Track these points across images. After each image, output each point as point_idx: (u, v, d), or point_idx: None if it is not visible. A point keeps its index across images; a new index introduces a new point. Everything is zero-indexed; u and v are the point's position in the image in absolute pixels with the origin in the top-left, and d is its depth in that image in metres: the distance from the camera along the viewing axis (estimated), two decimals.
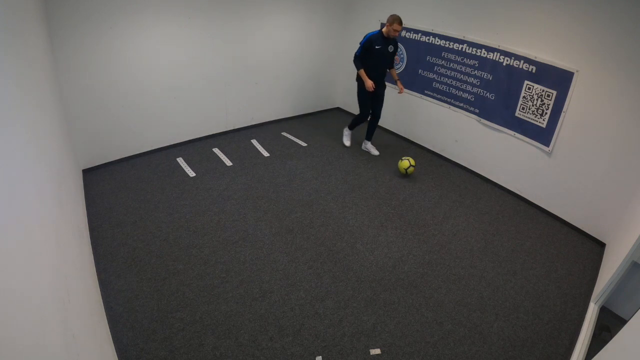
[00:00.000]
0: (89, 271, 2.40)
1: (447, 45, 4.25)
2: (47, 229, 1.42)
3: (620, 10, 2.94)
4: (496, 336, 2.52)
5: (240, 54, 4.55)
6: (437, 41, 4.31)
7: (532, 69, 3.58)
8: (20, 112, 1.42)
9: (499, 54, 3.81)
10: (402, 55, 4.76)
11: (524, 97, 3.72)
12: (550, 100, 3.52)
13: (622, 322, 2.63)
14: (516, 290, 2.90)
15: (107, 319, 2.40)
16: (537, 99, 3.62)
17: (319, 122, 5.52)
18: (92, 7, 3.33)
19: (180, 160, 4.22)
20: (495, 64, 3.87)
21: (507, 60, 3.76)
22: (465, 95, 4.27)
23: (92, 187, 3.65)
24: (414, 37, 4.54)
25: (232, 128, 4.94)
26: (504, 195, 4.11)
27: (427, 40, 4.42)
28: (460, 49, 4.13)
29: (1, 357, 0.74)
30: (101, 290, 2.60)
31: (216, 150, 4.48)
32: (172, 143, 4.45)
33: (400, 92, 4.30)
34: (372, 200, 3.81)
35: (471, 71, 4.12)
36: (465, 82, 4.21)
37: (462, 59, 4.15)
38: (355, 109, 5.73)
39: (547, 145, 3.65)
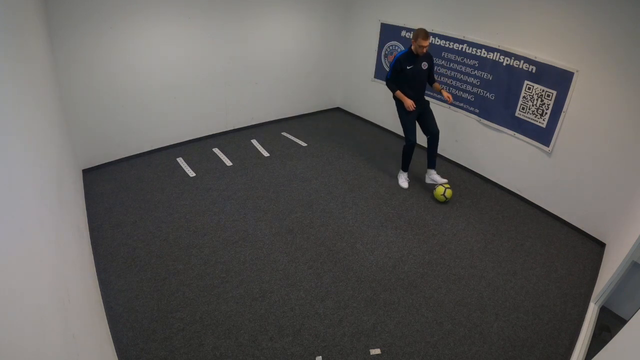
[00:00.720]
0: (89, 271, 2.40)
1: (447, 45, 4.25)
2: (47, 229, 1.42)
3: (620, 10, 2.94)
4: (496, 336, 2.52)
5: (240, 54, 4.55)
6: (437, 41, 4.31)
7: (532, 69, 3.58)
8: (20, 112, 1.42)
9: (499, 54, 3.81)
10: None
11: (524, 97, 3.72)
12: (550, 100, 3.52)
13: (622, 322, 2.63)
14: (516, 290, 2.90)
15: (107, 319, 2.40)
16: (537, 99, 3.62)
17: (319, 122, 5.52)
18: (92, 7, 3.33)
19: (180, 160, 4.22)
20: (495, 64, 3.87)
21: (507, 60, 3.76)
22: (465, 95, 4.27)
23: (92, 187, 3.65)
24: None
25: (232, 128, 4.94)
26: (504, 195, 4.11)
27: None
28: (460, 49, 4.13)
29: (1, 357, 0.74)
30: (101, 290, 2.60)
31: (216, 150, 4.48)
32: (172, 143, 4.45)
33: (449, 102, 3.75)
34: (372, 200, 3.81)
35: (471, 71, 4.12)
36: (465, 82, 4.21)
37: (462, 59, 4.15)
38: (357, 111, 5.77)
39: (547, 145, 3.65)
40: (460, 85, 4.27)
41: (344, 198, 3.81)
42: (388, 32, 4.82)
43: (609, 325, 2.60)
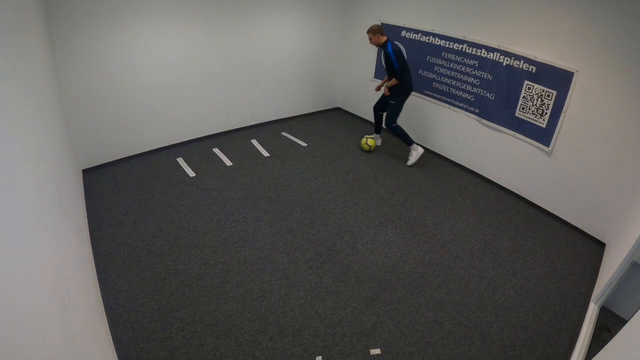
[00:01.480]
0: (89, 271, 2.40)
1: (447, 45, 4.25)
2: (47, 229, 1.42)
3: (621, 10, 2.94)
4: (496, 336, 2.52)
5: (240, 54, 4.55)
6: (437, 41, 4.31)
7: (532, 69, 3.58)
8: (20, 112, 1.42)
9: (499, 54, 3.81)
10: None
11: (524, 97, 3.72)
12: (550, 100, 3.52)
13: (622, 322, 2.63)
14: (516, 290, 2.90)
15: (107, 319, 2.40)
16: (537, 99, 3.62)
17: (319, 122, 5.52)
18: (92, 7, 3.33)
19: (180, 160, 4.22)
20: (495, 64, 3.87)
21: (507, 60, 3.76)
22: (465, 95, 4.27)
23: (92, 187, 3.65)
24: (414, 37, 4.54)
25: (232, 128, 4.94)
26: (504, 195, 4.11)
27: (427, 40, 4.42)
28: (460, 49, 4.13)
29: (2, 357, 0.74)
30: (101, 290, 2.60)
31: (216, 150, 4.48)
32: (172, 143, 4.46)
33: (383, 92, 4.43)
34: (372, 200, 3.81)
35: (471, 71, 4.12)
36: (465, 82, 4.21)
37: (462, 59, 4.15)
38: (357, 111, 5.78)
39: (547, 145, 3.65)
40: (460, 85, 4.27)
41: (344, 198, 3.81)
42: (388, 32, 4.81)
43: (609, 325, 2.60)
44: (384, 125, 4.60)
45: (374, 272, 2.95)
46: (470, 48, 4.03)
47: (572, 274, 3.12)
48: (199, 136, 4.66)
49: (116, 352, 2.21)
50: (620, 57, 3.02)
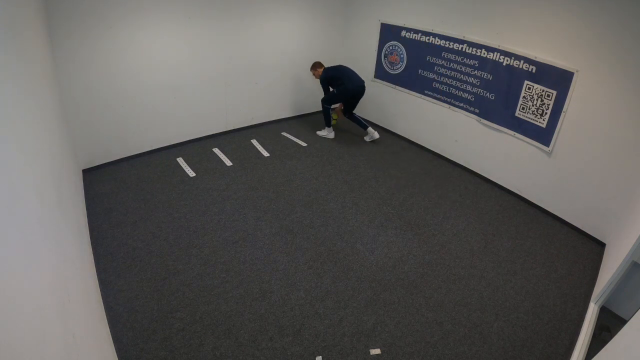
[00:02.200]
0: (89, 271, 2.40)
1: (447, 45, 4.25)
2: (47, 229, 1.42)
3: (621, 10, 2.94)
4: (496, 336, 2.52)
5: (240, 54, 4.55)
6: (437, 41, 4.31)
7: (532, 69, 3.58)
8: (20, 112, 1.42)
9: (499, 54, 3.81)
10: (402, 56, 4.76)
11: (524, 97, 3.72)
12: (550, 100, 3.52)
13: (622, 322, 2.63)
14: (516, 290, 2.90)
15: (107, 319, 2.40)
16: (537, 99, 3.62)
17: (319, 122, 5.51)
18: (92, 7, 3.33)
19: (180, 160, 4.22)
20: (495, 64, 3.87)
21: (507, 60, 3.76)
22: (465, 95, 4.27)
23: (92, 187, 3.65)
24: (414, 37, 4.54)
25: (232, 128, 4.94)
26: (504, 195, 4.11)
27: (427, 40, 4.42)
28: (460, 49, 4.13)
29: (2, 357, 0.74)
30: (101, 290, 2.60)
31: (216, 150, 4.48)
32: (172, 143, 4.45)
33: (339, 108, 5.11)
34: (372, 200, 3.81)
35: (471, 71, 4.12)
36: (465, 82, 4.21)
37: (462, 59, 4.15)
38: (357, 111, 5.79)
39: (547, 145, 3.65)
40: (460, 85, 4.27)
41: (344, 198, 3.81)
42: (388, 32, 4.83)
43: (609, 325, 2.60)
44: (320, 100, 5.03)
45: (374, 272, 2.95)
46: (470, 48, 4.03)
47: (572, 274, 3.12)
48: (199, 136, 4.66)
49: (116, 352, 2.21)
50: (620, 57, 3.02)
